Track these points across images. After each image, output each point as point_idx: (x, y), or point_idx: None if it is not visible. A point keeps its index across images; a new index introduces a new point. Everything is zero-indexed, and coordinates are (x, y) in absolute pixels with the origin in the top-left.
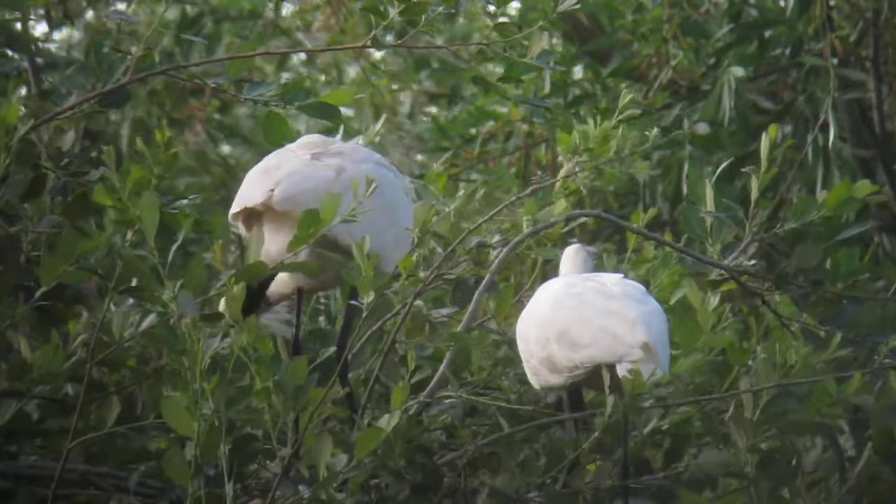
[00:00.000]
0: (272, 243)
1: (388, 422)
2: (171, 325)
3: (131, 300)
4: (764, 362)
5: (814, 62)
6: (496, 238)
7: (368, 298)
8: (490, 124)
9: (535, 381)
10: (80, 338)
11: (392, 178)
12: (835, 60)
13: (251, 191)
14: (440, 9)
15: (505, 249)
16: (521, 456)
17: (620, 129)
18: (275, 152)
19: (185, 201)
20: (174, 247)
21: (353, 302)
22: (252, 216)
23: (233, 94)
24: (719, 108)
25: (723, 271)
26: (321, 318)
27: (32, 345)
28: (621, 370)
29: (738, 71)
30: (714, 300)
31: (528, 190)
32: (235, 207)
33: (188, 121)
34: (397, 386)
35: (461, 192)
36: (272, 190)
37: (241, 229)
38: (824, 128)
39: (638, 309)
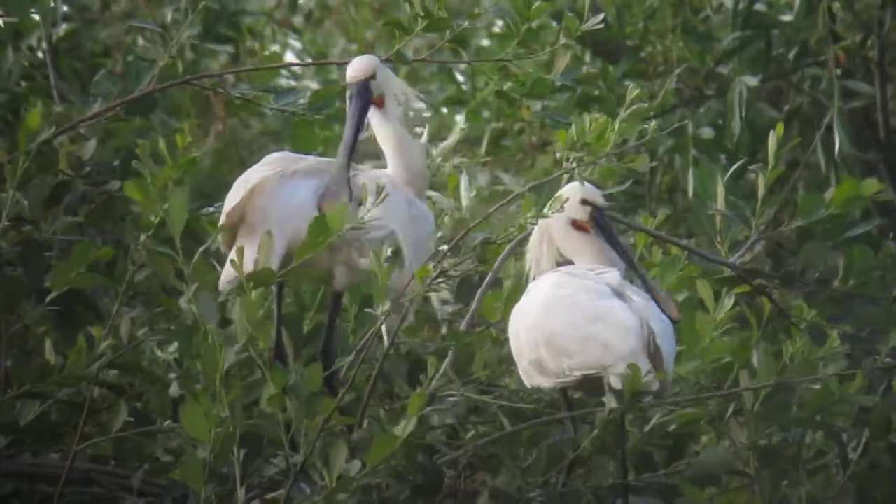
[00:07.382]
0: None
1: (403, 429)
2: (187, 328)
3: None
4: (764, 358)
5: (817, 74)
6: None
7: (384, 307)
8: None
9: (526, 381)
10: (107, 343)
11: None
12: (839, 71)
13: (227, 202)
14: (465, 23)
15: (508, 247)
16: (521, 454)
17: (617, 124)
18: (249, 170)
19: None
20: (201, 249)
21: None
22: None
23: (261, 104)
24: (731, 115)
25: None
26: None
27: (56, 348)
28: (614, 380)
29: (752, 80)
30: (728, 302)
31: (528, 185)
32: (221, 222)
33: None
34: (415, 392)
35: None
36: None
37: (224, 248)
38: (830, 130)
39: (631, 311)
